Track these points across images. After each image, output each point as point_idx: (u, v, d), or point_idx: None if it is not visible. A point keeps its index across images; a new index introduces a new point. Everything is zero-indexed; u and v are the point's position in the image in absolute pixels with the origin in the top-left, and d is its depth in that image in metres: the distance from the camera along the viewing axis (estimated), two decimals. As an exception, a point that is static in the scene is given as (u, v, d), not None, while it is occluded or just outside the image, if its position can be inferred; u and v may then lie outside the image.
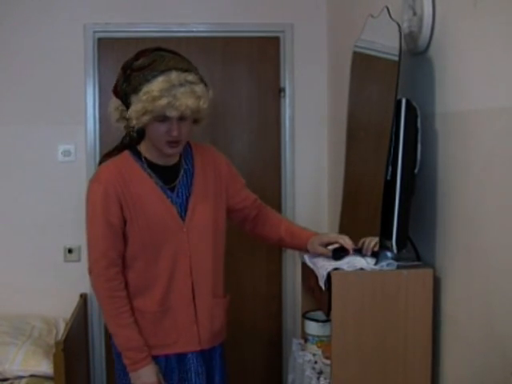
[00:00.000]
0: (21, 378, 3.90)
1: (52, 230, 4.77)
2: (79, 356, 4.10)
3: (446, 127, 2.73)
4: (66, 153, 4.70)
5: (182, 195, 2.95)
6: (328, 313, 2.83)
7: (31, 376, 3.92)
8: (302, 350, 3.39)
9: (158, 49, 2.82)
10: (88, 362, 4.66)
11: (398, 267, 2.81)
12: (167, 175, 2.95)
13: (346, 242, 2.89)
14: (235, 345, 4.88)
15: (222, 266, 3.09)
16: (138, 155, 2.94)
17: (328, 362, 3.02)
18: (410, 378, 2.81)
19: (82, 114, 4.74)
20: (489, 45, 2.36)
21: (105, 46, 4.76)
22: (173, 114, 2.72)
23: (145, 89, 2.69)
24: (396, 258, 2.82)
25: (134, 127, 2.83)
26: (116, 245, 2.86)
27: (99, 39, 4.74)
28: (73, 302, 4.21)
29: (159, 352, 2.94)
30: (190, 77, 2.75)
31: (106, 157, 3.01)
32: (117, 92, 2.86)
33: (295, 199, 4.93)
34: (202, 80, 2.82)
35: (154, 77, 2.70)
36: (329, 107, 4.84)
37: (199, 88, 2.77)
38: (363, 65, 3.19)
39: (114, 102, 2.89)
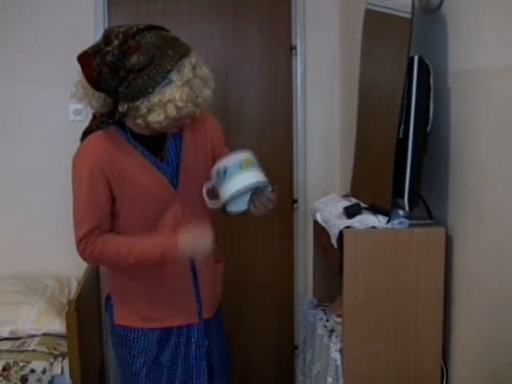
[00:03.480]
0: (33, 336, 3.92)
1: (64, 188, 4.77)
2: (92, 314, 4.12)
3: (458, 85, 2.72)
4: (77, 112, 4.69)
5: (172, 163, 2.77)
6: (340, 271, 2.84)
7: (44, 335, 3.94)
8: (314, 308, 3.41)
9: (137, 32, 2.50)
10: (100, 321, 4.69)
11: (410, 226, 2.81)
12: (154, 144, 2.74)
13: None
14: (247, 305, 4.93)
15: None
16: (121, 126, 2.72)
17: (339, 320, 3.04)
18: (422, 335, 2.83)
19: (92, 73, 4.72)
20: (502, 2, 2.33)
21: (115, 5, 4.71)
22: (195, 111, 2.58)
23: (160, 96, 2.47)
24: (408, 217, 2.82)
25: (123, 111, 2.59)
26: (102, 225, 2.69)
27: (109, -2, 4.72)
28: (85, 261, 4.22)
29: (153, 325, 2.82)
30: (195, 59, 2.53)
31: (86, 135, 2.80)
32: (96, 84, 2.58)
33: (307, 158, 4.91)
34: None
35: (164, 78, 2.46)
36: (341, 65, 4.80)
37: (207, 72, 2.56)
38: (375, 22, 3.16)
39: (88, 91, 2.66)
